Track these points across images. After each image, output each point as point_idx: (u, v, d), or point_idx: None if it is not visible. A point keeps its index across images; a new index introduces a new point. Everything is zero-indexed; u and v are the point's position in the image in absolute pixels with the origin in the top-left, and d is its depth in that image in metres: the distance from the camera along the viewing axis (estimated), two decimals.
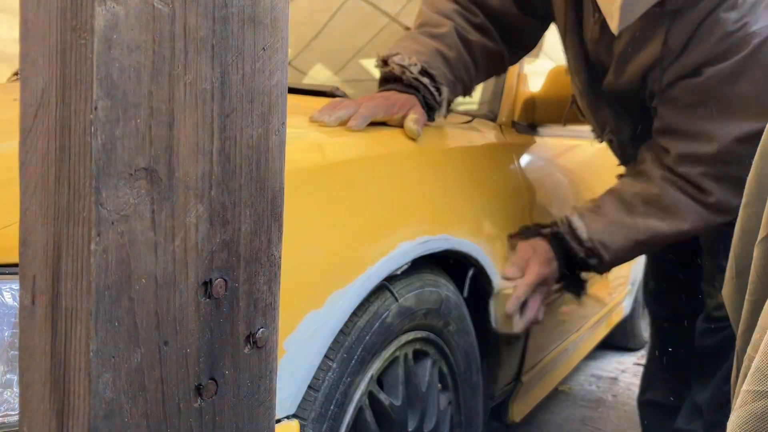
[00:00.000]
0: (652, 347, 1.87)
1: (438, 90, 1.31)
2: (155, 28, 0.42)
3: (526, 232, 1.42)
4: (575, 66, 1.52)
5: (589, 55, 1.47)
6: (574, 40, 1.47)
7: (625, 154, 1.61)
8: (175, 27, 0.42)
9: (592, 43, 1.42)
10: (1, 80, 2.07)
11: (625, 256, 1.39)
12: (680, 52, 1.28)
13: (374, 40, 1.93)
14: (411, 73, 1.28)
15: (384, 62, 1.32)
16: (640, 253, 1.46)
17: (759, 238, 0.75)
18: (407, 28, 1.45)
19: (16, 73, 1.84)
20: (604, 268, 1.40)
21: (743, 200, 0.84)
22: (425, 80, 1.30)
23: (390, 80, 1.30)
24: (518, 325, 1.34)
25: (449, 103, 1.37)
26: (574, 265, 1.39)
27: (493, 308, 1.34)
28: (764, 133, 0.78)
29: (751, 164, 0.89)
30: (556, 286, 1.41)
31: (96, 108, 0.39)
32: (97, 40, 0.39)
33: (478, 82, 1.49)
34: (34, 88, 0.42)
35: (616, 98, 1.48)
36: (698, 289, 1.56)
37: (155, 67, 0.42)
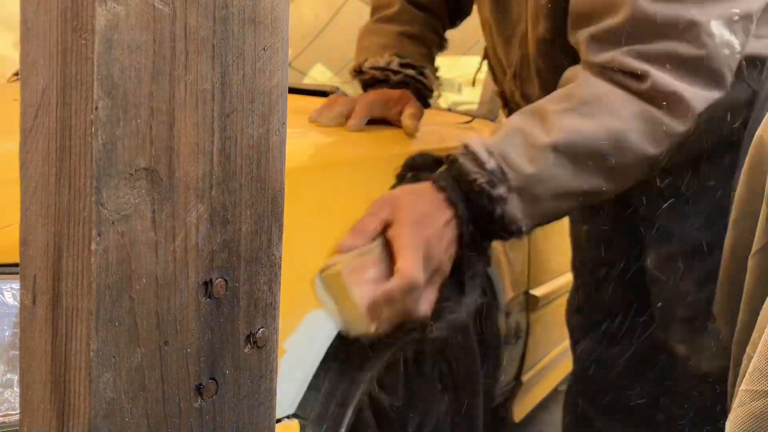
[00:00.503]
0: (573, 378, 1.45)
1: (423, 74, 1.24)
2: (156, 29, 0.42)
3: (402, 177, 0.93)
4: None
5: None
6: None
7: None
8: (175, 27, 0.43)
9: None
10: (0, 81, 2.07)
11: (540, 185, 0.87)
12: None
13: None
14: (392, 72, 1.23)
15: (359, 71, 1.27)
16: (562, 184, 0.89)
17: (754, 249, 0.76)
18: None
19: (16, 74, 1.84)
20: (516, 207, 0.86)
21: (733, 216, 0.84)
22: (409, 71, 1.23)
23: (373, 85, 1.25)
24: (376, 319, 0.80)
25: (435, 72, 1.30)
26: (473, 211, 0.86)
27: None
28: (752, 144, 0.78)
29: (710, 38, 0.85)
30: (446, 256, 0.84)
31: (97, 108, 0.40)
32: (98, 41, 0.39)
33: (447, 28, 1.39)
34: (34, 88, 0.42)
35: (540, 41, 1.08)
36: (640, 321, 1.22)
37: (156, 68, 0.42)
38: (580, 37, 0.96)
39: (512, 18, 1.14)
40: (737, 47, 0.92)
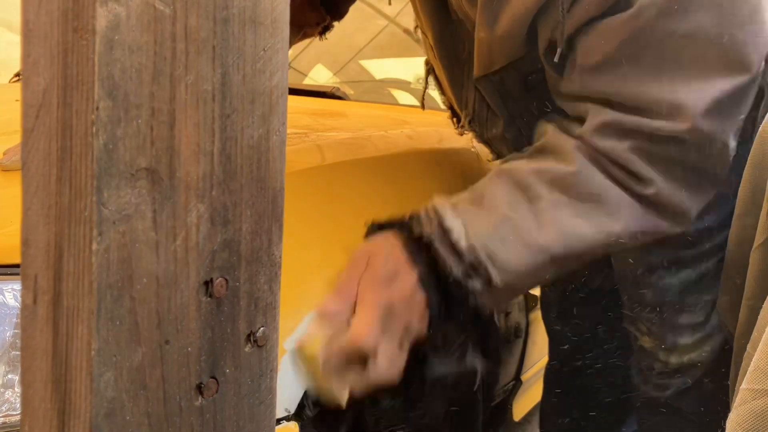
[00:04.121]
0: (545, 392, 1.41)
1: None
2: (156, 29, 0.42)
3: (372, 230, 0.86)
4: (425, 17, 1.01)
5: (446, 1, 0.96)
6: None
7: (498, 153, 1.09)
8: (176, 28, 0.43)
9: None
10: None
11: (526, 278, 0.83)
12: None
13: (374, 42, 1.94)
14: None
15: None
16: (548, 274, 0.85)
17: (755, 244, 0.76)
18: (406, 30, 1.42)
19: (17, 74, 1.84)
20: (491, 298, 0.81)
21: (736, 211, 0.84)
22: None
23: None
24: (346, 390, 0.78)
25: None
26: (443, 286, 0.80)
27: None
28: (755, 141, 0.78)
29: (724, 148, 0.79)
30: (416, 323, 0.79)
31: (97, 108, 0.40)
32: (99, 41, 0.39)
33: (291, 44, 1.13)
34: (35, 88, 0.42)
35: (487, 72, 0.94)
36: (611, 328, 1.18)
37: (156, 68, 0.42)
38: (578, 110, 0.85)
39: (462, 56, 1.01)
40: (733, 150, 0.82)
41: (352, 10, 1.99)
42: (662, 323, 1.06)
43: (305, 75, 1.95)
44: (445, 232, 0.79)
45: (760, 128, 0.79)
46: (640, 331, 1.08)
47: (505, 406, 1.57)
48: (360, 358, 0.76)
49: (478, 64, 0.93)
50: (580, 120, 0.84)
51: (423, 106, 1.28)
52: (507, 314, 1.39)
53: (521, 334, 1.49)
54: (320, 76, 1.98)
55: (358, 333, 0.75)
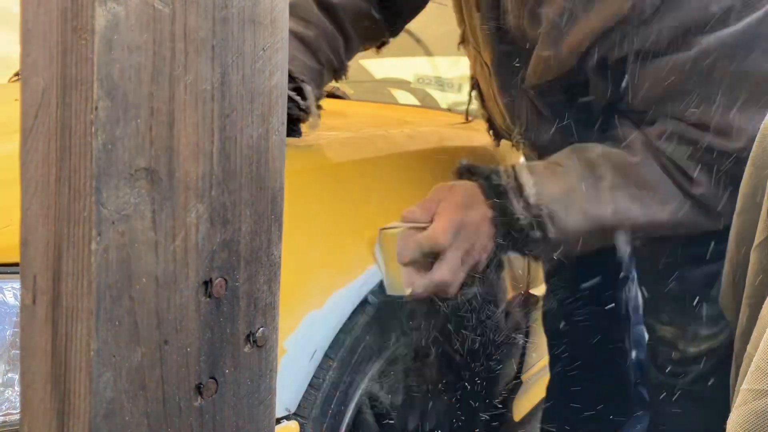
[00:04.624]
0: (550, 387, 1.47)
1: (300, 91, 1.01)
2: (155, 29, 0.42)
3: (458, 170, 1.01)
4: (483, 38, 1.10)
5: (504, 22, 1.05)
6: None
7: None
8: (175, 28, 0.43)
9: (512, 2, 1.02)
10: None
11: (574, 241, 0.96)
12: (653, 11, 0.89)
13: None
14: None
15: None
16: (593, 244, 0.98)
17: (756, 242, 0.76)
18: (406, 30, 1.42)
19: (16, 74, 1.84)
20: (544, 248, 0.95)
21: (738, 208, 0.84)
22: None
23: None
24: (411, 283, 0.90)
25: (318, 98, 1.07)
26: (508, 234, 0.94)
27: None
28: (757, 138, 0.79)
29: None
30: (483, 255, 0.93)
31: (96, 108, 0.40)
32: (98, 41, 0.39)
33: (352, 56, 1.18)
34: (34, 88, 0.42)
35: (541, 84, 1.05)
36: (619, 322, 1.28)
37: (155, 68, 0.42)
38: (655, 118, 0.96)
39: (517, 70, 1.10)
40: None
41: None
42: (684, 314, 1.10)
43: None
44: (519, 186, 0.94)
45: (762, 124, 0.78)
46: (661, 321, 1.15)
47: (506, 406, 1.57)
48: (427, 257, 0.90)
49: (533, 76, 1.05)
50: (650, 121, 0.96)
51: (467, 119, 1.43)
52: (507, 314, 1.39)
53: (521, 334, 1.49)
54: None
55: (433, 231, 0.90)
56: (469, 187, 0.96)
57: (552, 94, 1.07)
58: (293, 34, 1.02)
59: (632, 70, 0.94)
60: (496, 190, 0.94)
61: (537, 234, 0.93)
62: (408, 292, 0.91)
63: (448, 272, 0.90)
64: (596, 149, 0.98)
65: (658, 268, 1.12)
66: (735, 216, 0.85)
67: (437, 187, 0.96)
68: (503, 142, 1.34)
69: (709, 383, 1.10)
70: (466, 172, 1.00)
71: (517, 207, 0.93)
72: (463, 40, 1.24)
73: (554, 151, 1.05)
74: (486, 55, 1.12)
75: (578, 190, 0.94)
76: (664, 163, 0.94)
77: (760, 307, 0.67)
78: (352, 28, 1.13)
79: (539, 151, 1.17)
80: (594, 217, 0.94)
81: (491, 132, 1.31)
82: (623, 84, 0.97)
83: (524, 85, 1.08)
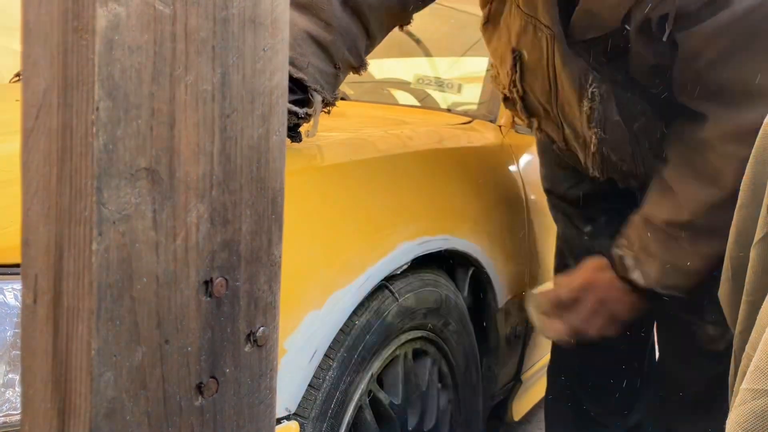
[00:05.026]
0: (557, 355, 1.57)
1: (305, 102, 0.95)
2: (156, 29, 0.42)
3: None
4: (546, 9, 1.09)
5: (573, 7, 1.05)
6: None
7: (608, 166, 1.24)
8: (176, 28, 0.43)
9: None
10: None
11: (689, 288, 1.13)
12: None
13: None
14: None
15: None
16: (705, 275, 1.10)
17: (755, 240, 0.76)
18: (406, 30, 1.41)
19: (17, 74, 1.85)
20: (668, 302, 1.16)
21: (738, 203, 0.84)
22: (296, 96, 0.94)
23: None
24: (549, 329, 1.23)
25: (331, 103, 1.02)
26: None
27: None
28: (758, 136, 0.79)
29: None
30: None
31: (97, 109, 0.40)
32: (99, 41, 0.39)
33: (373, 47, 1.11)
34: (35, 89, 0.42)
35: (584, 39, 1.07)
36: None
37: (156, 68, 0.42)
38: (697, 107, 1.00)
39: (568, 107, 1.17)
40: None
41: None
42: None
43: None
44: (631, 281, 1.14)
45: (764, 122, 0.78)
46: (704, 320, 1.24)
47: (505, 406, 1.57)
48: (558, 308, 1.20)
49: (576, 31, 1.08)
50: (701, 115, 1.00)
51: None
52: (507, 314, 1.39)
53: (521, 334, 1.49)
54: None
55: (558, 288, 1.23)
56: (613, 284, 1.16)
57: (593, 51, 1.09)
58: (310, 36, 0.96)
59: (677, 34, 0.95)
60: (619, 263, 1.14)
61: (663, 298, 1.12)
62: (550, 335, 1.27)
63: (576, 318, 1.16)
64: (659, 214, 1.10)
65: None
66: (736, 210, 0.85)
67: (579, 269, 1.21)
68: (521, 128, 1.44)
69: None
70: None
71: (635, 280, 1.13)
72: (488, 20, 1.24)
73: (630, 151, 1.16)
74: (545, 16, 1.10)
75: (671, 262, 1.09)
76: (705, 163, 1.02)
77: (760, 306, 0.67)
78: (376, 19, 1.05)
79: (603, 149, 1.20)
80: (693, 272, 1.09)
81: (523, 109, 1.30)
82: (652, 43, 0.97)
83: (575, 39, 1.08)
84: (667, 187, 1.09)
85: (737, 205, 0.84)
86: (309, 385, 0.85)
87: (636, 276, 1.12)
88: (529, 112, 1.29)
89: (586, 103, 1.12)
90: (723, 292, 0.90)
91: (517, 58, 1.23)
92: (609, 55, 1.07)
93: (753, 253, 0.76)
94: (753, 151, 0.80)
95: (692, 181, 1.04)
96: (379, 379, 1.03)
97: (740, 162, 0.83)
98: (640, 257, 1.13)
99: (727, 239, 0.92)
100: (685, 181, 1.06)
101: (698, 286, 1.11)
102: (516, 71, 1.21)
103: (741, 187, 0.83)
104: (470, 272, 1.26)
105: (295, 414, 0.83)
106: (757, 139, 0.79)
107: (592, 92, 1.11)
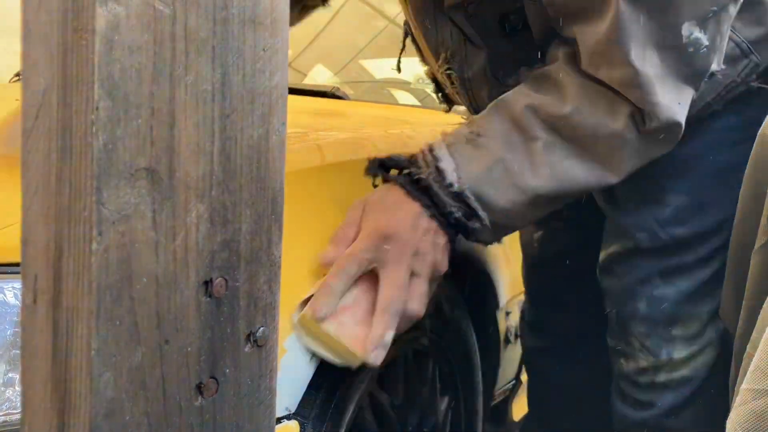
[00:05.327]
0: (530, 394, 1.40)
1: None
2: (156, 29, 0.42)
3: (369, 170, 0.87)
4: None
5: None
6: None
7: (473, 96, 1.04)
8: (175, 28, 0.43)
9: None
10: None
11: (517, 218, 0.85)
12: None
13: (374, 42, 1.94)
14: None
15: None
16: (539, 215, 0.88)
17: (756, 246, 0.76)
18: (406, 32, 1.41)
19: (17, 74, 1.85)
20: (489, 234, 0.84)
21: (738, 215, 0.84)
22: None
23: None
24: (363, 340, 0.75)
25: None
26: (449, 224, 0.81)
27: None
28: (755, 143, 0.78)
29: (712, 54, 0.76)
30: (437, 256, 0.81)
31: (97, 108, 0.40)
32: (99, 41, 0.39)
33: None
34: (35, 88, 0.42)
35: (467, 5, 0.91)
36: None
37: (156, 68, 0.42)
38: (573, 32, 0.80)
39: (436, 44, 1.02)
40: (705, 42, 0.78)
41: (353, 10, 1.99)
42: (655, 336, 0.99)
43: (305, 75, 1.95)
44: (440, 173, 0.80)
45: (760, 130, 0.78)
46: (630, 345, 1.01)
47: (505, 406, 1.57)
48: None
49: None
50: (575, 41, 0.81)
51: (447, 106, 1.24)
52: (507, 314, 1.39)
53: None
54: (320, 76, 1.98)
55: (343, 258, 0.76)
56: (386, 189, 0.82)
57: (479, 21, 0.93)
58: None
59: None
60: (418, 185, 0.80)
61: (477, 224, 0.80)
62: (366, 353, 0.75)
63: (397, 292, 0.77)
64: (521, 100, 0.82)
65: (627, 285, 1.00)
66: (735, 220, 0.85)
67: (351, 207, 0.81)
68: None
69: (682, 418, 0.98)
70: (381, 171, 0.85)
71: (444, 198, 0.79)
72: None
73: (486, 88, 0.94)
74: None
75: (507, 161, 0.80)
76: (605, 92, 0.78)
77: (760, 309, 0.67)
78: None
79: (469, 90, 1.03)
80: (530, 189, 0.80)
81: (439, 95, 1.16)
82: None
83: (445, 6, 0.93)
84: (545, 77, 0.84)
85: (737, 217, 0.84)
86: (309, 385, 0.85)
87: (447, 166, 0.79)
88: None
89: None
90: (726, 303, 0.90)
91: (407, 32, 1.17)
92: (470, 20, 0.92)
93: (754, 260, 0.76)
94: (750, 158, 0.80)
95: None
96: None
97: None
98: (463, 145, 0.82)
99: (589, 170, 0.80)
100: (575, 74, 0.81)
101: (508, 228, 0.87)
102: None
103: (740, 198, 0.83)
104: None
105: (294, 414, 0.83)
106: (755, 145, 0.79)
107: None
